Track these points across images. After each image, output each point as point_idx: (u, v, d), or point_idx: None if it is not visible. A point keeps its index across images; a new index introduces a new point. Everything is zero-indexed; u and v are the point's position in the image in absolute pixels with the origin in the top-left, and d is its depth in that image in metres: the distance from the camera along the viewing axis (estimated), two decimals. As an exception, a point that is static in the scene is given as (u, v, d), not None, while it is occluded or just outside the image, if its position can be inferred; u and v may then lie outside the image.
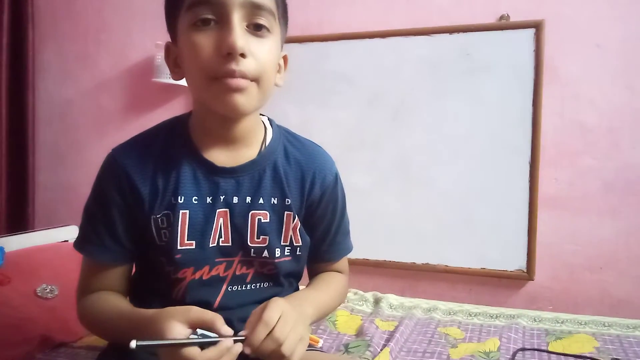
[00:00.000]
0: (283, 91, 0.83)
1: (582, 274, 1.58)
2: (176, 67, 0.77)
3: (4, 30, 2.02)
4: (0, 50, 2.00)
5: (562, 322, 1.34)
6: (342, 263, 0.94)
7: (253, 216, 0.78)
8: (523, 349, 1.16)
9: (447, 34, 1.65)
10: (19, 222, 2.09)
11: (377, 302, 1.50)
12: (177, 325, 0.60)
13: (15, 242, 1.62)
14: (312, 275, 0.92)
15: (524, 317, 1.37)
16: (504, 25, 1.59)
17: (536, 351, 1.16)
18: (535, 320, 1.36)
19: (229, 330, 0.62)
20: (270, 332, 0.62)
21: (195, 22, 0.68)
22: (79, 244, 0.79)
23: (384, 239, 1.74)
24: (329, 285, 0.88)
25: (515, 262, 1.61)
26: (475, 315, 1.41)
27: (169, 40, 0.77)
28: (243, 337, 0.62)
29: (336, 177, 0.87)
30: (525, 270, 1.60)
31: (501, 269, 1.62)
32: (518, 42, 1.58)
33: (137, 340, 0.56)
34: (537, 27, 1.55)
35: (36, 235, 1.75)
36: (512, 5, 1.59)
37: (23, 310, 1.24)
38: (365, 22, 1.74)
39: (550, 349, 1.17)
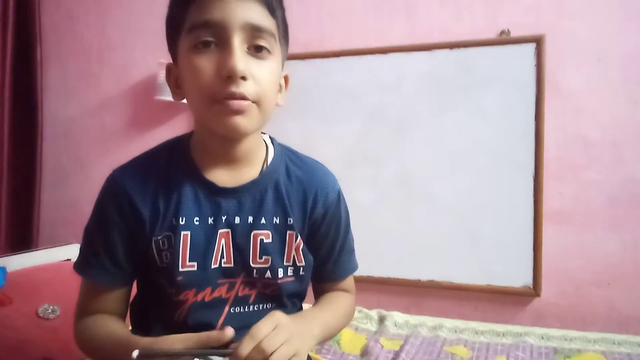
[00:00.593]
0: (284, 108, 0.83)
1: (589, 289, 1.56)
2: (177, 88, 0.77)
3: (7, 50, 2.04)
4: (3, 70, 2.01)
5: (570, 340, 1.32)
6: (348, 282, 0.92)
7: (255, 236, 0.78)
8: (531, 368, 1.14)
9: (448, 49, 1.65)
10: (23, 240, 2.09)
11: (381, 320, 1.49)
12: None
13: (17, 262, 1.62)
14: (318, 295, 0.91)
15: (532, 335, 1.35)
16: (504, 40, 1.60)
17: (545, 370, 1.14)
18: (543, 338, 1.34)
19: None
20: (258, 343, 0.61)
21: (196, 45, 0.68)
22: (79, 265, 0.79)
23: (387, 256, 1.73)
24: (336, 305, 0.87)
25: (521, 278, 1.59)
26: (481, 334, 1.39)
27: (170, 60, 0.78)
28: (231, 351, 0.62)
29: (339, 195, 0.86)
30: (531, 287, 1.58)
31: (507, 285, 1.60)
32: (519, 57, 1.58)
33: (140, 350, 0.57)
34: (537, 41, 1.56)
35: (38, 254, 1.74)
36: (512, 20, 1.60)
37: (24, 332, 1.22)
38: (365, 39, 1.76)
39: (559, 367, 1.15)
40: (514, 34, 1.60)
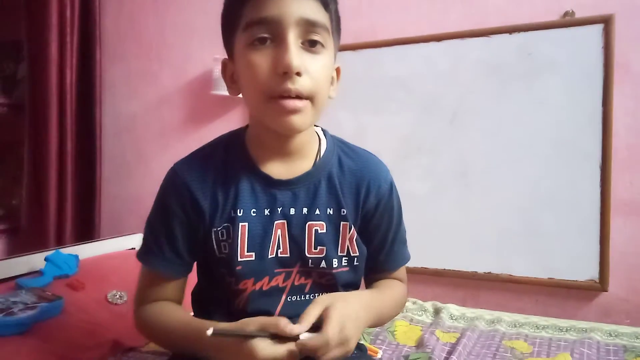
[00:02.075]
0: (337, 99, 0.83)
1: (663, 285, 1.46)
2: (233, 83, 0.79)
3: (74, 51, 2.17)
4: (71, 70, 2.14)
5: (642, 338, 1.24)
6: (401, 272, 0.92)
7: (310, 227, 0.79)
8: (598, 366, 1.08)
9: (507, 34, 1.59)
10: (87, 230, 2.22)
11: (437, 312, 1.46)
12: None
13: (88, 250, 1.73)
14: (369, 284, 0.91)
15: (598, 332, 1.28)
16: (568, 22, 1.51)
17: (613, 369, 1.08)
18: (611, 335, 1.27)
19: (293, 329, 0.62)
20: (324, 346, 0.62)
21: (252, 42, 0.69)
22: (141, 255, 0.83)
23: (442, 247, 1.70)
24: (390, 292, 0.87)
25: (586, 272, 1.51)
26: (543, 328, 1.33)
27: (226, 56, 0.80)
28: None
29: (391, 186, 0.86)
30: (597, 281, 1.50)
31: (571, 279, 1.53)
32: (584, 39, 1.49)
33: (214, 328, 0.60)
34: (605, 22, 1.46)
35: (106, 244, 1.85)
36: (577, 0, 1.51)
37: (96, 316, 1.31)
38: (419, 26, 1.72)
39: (629, 367, 1.09)
40: (579, 14, 1.50)
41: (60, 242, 2.09)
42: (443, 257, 1.69)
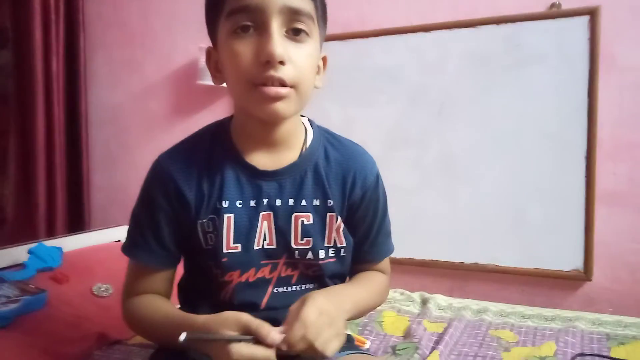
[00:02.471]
0: (324, 90, 0.83)
1: (646, 274, 1.48)
2: (217, 72, 0.78)
3: (60, 38, 2.11)
4: (57, 57, 2.09)
5: (625, 326, 1.26)
6: (384, 264, 0.92)
7: (296, 218, 0.79)
8: (582, 354, 1.10)
9: (494, 25, 1.59)
10: (77, 222, 2.20)
11: (424, 302, 1.47)
12: (228, 332, 0.62)
13: (72, 242, 1.70)
14: (353, 275, 0.91)
15: (582, 320, 1.30)
16: (555, 13, 1.52)
17: (597, 357, 1.09)
18: (594, 323, 1.29)
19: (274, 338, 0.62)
20: (306, 330, 0.62)
21: (235, 30, 0.68)
22: (127, 248, 0.82)
23: (430, 238, 1.70)
24: (369, 283, 0.87)
25: (571, 261, 1.53)
26: (529, 318, 1.35)
27: (210, 45, 0.78)
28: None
29: (377, 177, 0.86)
30: (582, 270, 1.52)
31: (556, 268, 1.55)
32: (571, 31, 1.50)
33: (187, 333, 0.59)
34: (591, 14, 1.47)
35: (91, 236, 1.83)
36: (563, -9, 1.52)
37: (81, 309, 1.29)
38: (407, 17, 1.71)
39: (612, 354, 1.10)
40: (565, 6, 1.51)
41: (51, 233, 2.05)
42: (430, 248, 1.70)
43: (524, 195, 1.58)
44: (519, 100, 1.57)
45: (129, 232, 0.82)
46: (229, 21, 0.69)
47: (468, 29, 1.62)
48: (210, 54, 0.78)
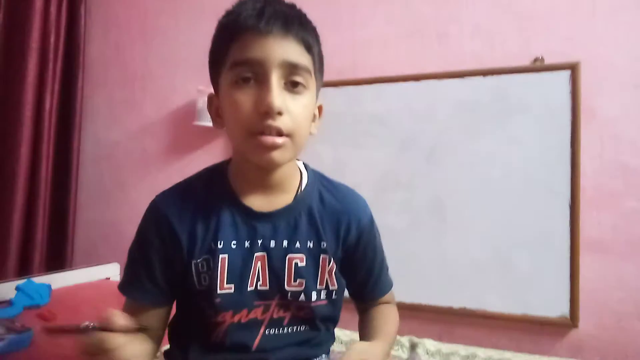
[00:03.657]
0: (318, 134, 0.86)
1: (632, 322, 1.50)
2: (218, 117, 0.81)
3: (57, 76, 2.18)
4: (51, 95, 2.14)
5: (611, 374, 1.27)
6: (389, 295, 0.97)
7: (290, 260, 0.80)
8: (569, 403, 1.10)
9: (481, 76, 1.66)
10: (58, 258, 2.16)
11: (413, 347, 1.47)
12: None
13: (60, 279, 1.69)
14: (362, 311, 0.95)
15: (570, 368, 1.30)
16: (538, 67, 1.60)
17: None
18: (581, 371, 1.29)
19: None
20: None
21: (236, 80, 0.72)
22: (122, 285, 0.83)
23: (419, 282, 1.71)
24: (391, 320, 0.93)
25: (557, 308, 1.54)
26: (516, 364, 1.35)
27: (211, 91, 0.82)
28: None
29: (371, 218, 0.90)
30: (568, 317, 1.53)
31: (543, 315, 1.56)
32: (553, 84, 1.57)
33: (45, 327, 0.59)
34: (572, 68, 1.55)
35: (79, 273, 1.81)
36: (546, 47, 1.60)
37: (67, 348, 1.27)
38: (398, 66, 1.78)
39: (599, 403, 1.11)
40: (548, 61, 1.59)
41: (26, 271, 2.01)
42: (419, 292, 1.71)
43: (511, 240, 1.61)
44: (505, 147, 1.63)
45: (124, 269, 0.83)
46: (232, 72, 0.73)
47: (456, 79, 1.70)
48: (211, 100, 0.82)
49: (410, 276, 1.71)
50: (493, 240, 1.63)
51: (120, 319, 0.62)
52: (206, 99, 0.84)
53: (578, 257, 1.52)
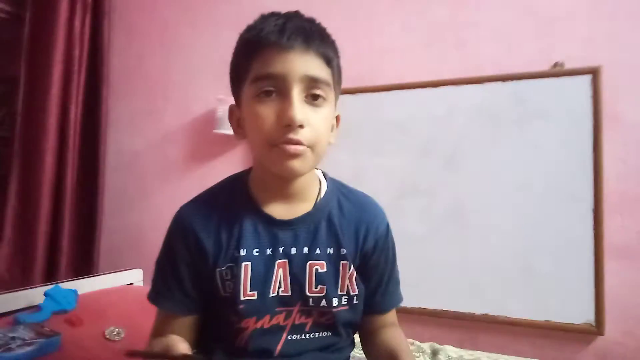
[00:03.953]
0: (337, 141, 0.87)
1: (659, 329, 1.47)
2: (239, 128, 0.83)
3: (80, 88, 2.24)
4: (76, 106, 2.21)
5: (638, 383, 1.24)
6: (393, 315, 0.94)
7: (311, 266, 0.82)
8: (595, 411, 1.08)
9: (500, 82, 1.66)
10: (85, 264, 2.22)
11: (434, 353, 1.46)
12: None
13: (86, 285, 1.73)
14: (369, 333, 0.91)
15: (595, 376, 1.28)
16: (558, 72, 1.58)
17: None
18: (607, 379, 1.27)
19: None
20: None
21: (258, 94, 0.74)
22: (152, 296, 0.85)
23: (440, 288, 1.71)
24: (404, 341, 0.88)
25: (582, 315, 1.52)
26: (540, 372, 1.33)
27: (231, 100, 0.84)
28: None
29: (387, 227, 0.91)
30: (593, 324, 1.51)
31: (567, 321, 1.54)
32: (574, 89, 1.56)
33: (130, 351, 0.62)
34: (593, 73, 1.53)
35: (104, 278, 1.85)
36: (566, 52, 1.59)
37: (92, 352, 1.30)
38: (416, 73, 1.79)
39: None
40: (569, 65, 1.58)
41: (53, 277, 2.06)
42: (440, 298, 1.70)
43: (533, 246, 1.59)
44: (526, 153, 1.61)
45: (153, 280, 0.85)
46: (254, 86, 0.75)
47: (475, 85, 1.69)
48: (232, 111, 0.84)
49: (431, 282, 1.71)
50: (515, 246, 1.61)
51: (184, 345, 0.66)
52: (226, 107, 0.86)
53: (602, 263, 1.50)
